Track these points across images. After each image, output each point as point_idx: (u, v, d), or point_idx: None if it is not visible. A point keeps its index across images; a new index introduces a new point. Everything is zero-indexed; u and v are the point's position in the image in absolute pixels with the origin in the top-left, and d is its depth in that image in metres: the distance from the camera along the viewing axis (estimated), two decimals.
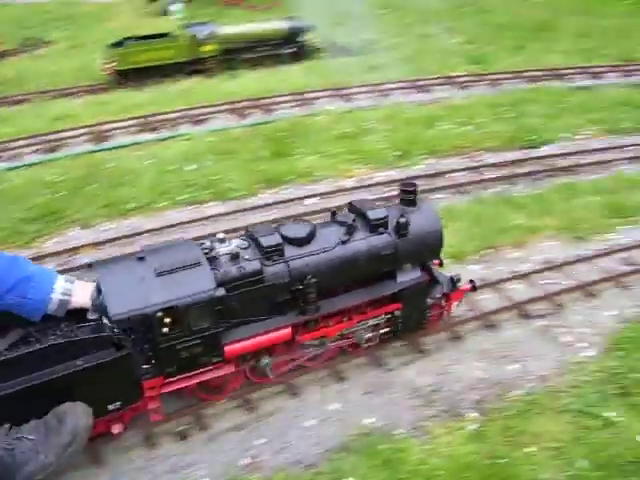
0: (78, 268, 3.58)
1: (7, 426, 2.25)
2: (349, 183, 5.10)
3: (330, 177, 5.22)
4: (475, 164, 5.39)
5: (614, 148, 5.68)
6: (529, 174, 5.18)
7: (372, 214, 3.08)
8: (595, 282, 3.90)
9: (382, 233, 3.07)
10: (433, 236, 3.16)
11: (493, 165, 5.34)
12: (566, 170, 5.33)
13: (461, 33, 9.74)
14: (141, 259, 2.69)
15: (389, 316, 3.17)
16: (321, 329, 3.05)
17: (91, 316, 2.61)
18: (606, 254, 4.22)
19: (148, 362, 2.65)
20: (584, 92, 7.20)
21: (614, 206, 4.76)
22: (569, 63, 8.39)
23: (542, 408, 3.04)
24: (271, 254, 2.84)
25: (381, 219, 3.08)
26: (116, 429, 2.67)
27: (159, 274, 2.61)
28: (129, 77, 8.08)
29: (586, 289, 3.84)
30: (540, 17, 10.74)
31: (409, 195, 3.19)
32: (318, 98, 6.75)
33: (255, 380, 3.01)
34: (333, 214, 3.20)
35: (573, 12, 11.25)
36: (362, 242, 3.03)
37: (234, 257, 2.79)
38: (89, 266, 2.76)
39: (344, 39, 9.28)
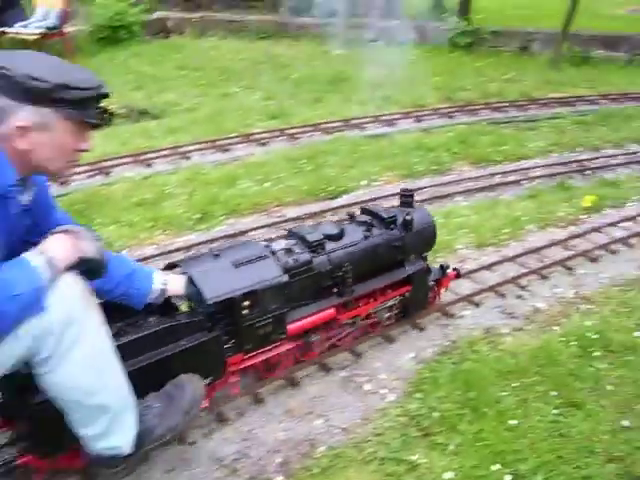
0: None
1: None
2: (149, 251, 4.98)
3: (129, 246, 5.07)
4: (275, 220, 5.42)
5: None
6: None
7: (385, 214, 3.76)
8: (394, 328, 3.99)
9: (393, 229, 3.65)
10: (429, 230, 3.94)
11: (293, 219, 5.39)
12: None
13: (260, 89, 9.89)
14: (217, 256, 3.14)
15: (401, 298, 3.77)
16: (355, 309, 3.61)
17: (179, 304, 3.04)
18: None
19: (230, 341, 3.06)
20: (379, 140, 7.49)
21: None
22: (365, 112, 8.74)
23: (347, 461, 3.02)
24: (316, 247, 3.45)
25: (392, 217, 3.75)
26: (203, 404, 2.97)
27: (236, 266, 3.10)
28: None
29: (384, 334, 3.92)
30: (338, 69, 11.08)
31: (408, 199, 3.92)
32: (117, 165, 6.59)
33: (302, 358, 3.56)
34: (351, 217, 3.88)
35: (368, 63, 11.73)
36: (379, 237, 3.68)
37: (288, 251, 3.36)
38: (172, 266, 3.19)
39: (144, 103, 9.21)
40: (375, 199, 5.78)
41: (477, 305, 4.31)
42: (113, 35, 12.53)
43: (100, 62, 11.29)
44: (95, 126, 2.36)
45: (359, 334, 3.84)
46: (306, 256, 3.40)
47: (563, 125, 8.69)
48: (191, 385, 2.82)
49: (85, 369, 2.40)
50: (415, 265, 3.86)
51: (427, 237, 3.95)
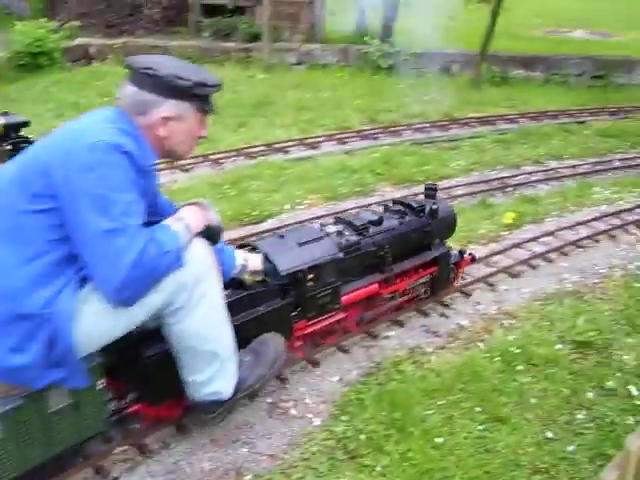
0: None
1: None
2: None
3: None
4: None
5: (332, 214, 5.92)
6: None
7: (415, 204, 4.39)
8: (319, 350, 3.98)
9: (422, 217, 4.32)
10: (450, 219, 4.57)
11: None
12: None
13: None
14: (282, 237, 3.72)
15: (429, 277, 4.47)
16: (394, 285, 4.25)
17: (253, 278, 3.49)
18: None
19: (296, 309, 3.60)
20: (303, 163, 7.51)
21: None
22: (289, 136, 8.77)
23: None
24: (361, 231, 4.00)
25: (421, 207, 4.36)
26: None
27: (300, 245, 3.63)
28: None
29: (310, 358, 3.90)
30: (262, 93, 11.09)
31: (431, 192, 4.59)
32: None
33: (352, 329, 4.18)
34: (386, 207, 4.49)
35: (292, 87, 11.79)
36: (411, 223, 4.26)
37: (339, 233, 3.93)
38: (242, 246, 3.72)
39: None
40: (300, 222, 5.79)
41: (401, 325, 4.33)
42: (33, 62, 12.27)
43: (19, 89, 11.06)
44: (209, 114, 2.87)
45: (396, 308, 4.44)
46: (354, 238, 3.95)
47: (484, 144, 8.88)
48: (273, 342, 3.31)
49: (206, 320, 2.86)
50: (440, 248, 4.47)
51: (449, 224, 4.57)
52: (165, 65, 2.70)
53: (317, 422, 3.44)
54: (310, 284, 3.61)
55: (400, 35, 14.36)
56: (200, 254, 2.80)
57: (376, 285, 4.08)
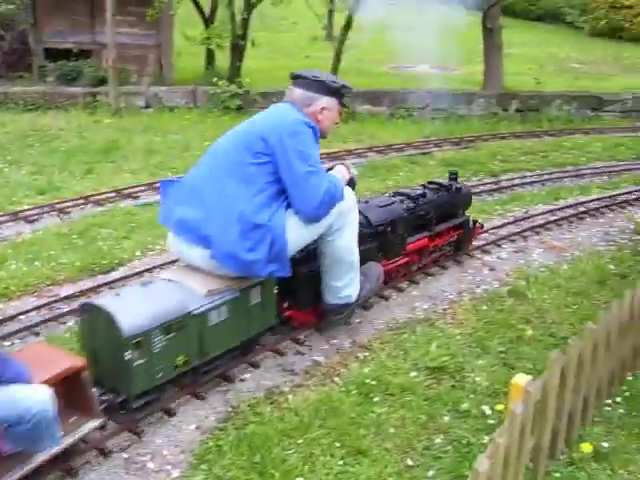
0: None
1: None
2: None
3: None
4: (48, 300, 5.15)
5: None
6: None
7: (445, 183, 5.86)
8: (173, 399, 3.87)
9: (450, 192, 5.84)
10: (469, 196, 6.12)
11: (67, 298, 5.15)
12: None
13: (28, 164, 9.41)
14: (366, 202, 5.13)
15: (456, 237, 5.96)
16: (436, 240, 5.73)
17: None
18: None
19: (379, 251, 4.98)
20: (153, 208, 7.37)
21: None
22: (139, 181, 8.61)
23: None
24: (415, 200, 5.47)
25: (450, 185, 5.84)
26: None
27: (380, 207, 5.08)
28: None
29: (164, 409, 3.80)
30: (109, 138, 10.85)
31: (454, 176, 6.00)
32: None
33: (409, 275, 5.60)
34: (424, 186, 5.85)
35: (141, 131, 11.62)
36: (445, 196, 5.77)
37: (401, 201, 5.35)
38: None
39: None
40: (151, 269, 5.68)
41: (257, 366, 4.31)
42: None
43: None
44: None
45: (437, 259, 5.89)
46: (412, 204, 5.39)
47: None
48: (375, 267, 4.82)
49: (351, 239, 4.29)
50: (462, 217, 5.97)
51: (468, 199, 6.07)
52: (321, 74, 4.26)
53: (175, 474, 3.36)
54: (389, 234, 5.05)
55: (249, 75, 14.47)
56: (349, 193, 4.28)
57: (426, 239, 5.55)
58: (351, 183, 4.46)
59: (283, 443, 3.56)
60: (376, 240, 4.89)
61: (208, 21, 15.32)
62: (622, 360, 4.22)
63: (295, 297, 4.45)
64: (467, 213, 6.14)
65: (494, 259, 6.21)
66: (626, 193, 8.68)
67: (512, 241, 6.63)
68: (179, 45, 15.69)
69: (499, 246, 6.47)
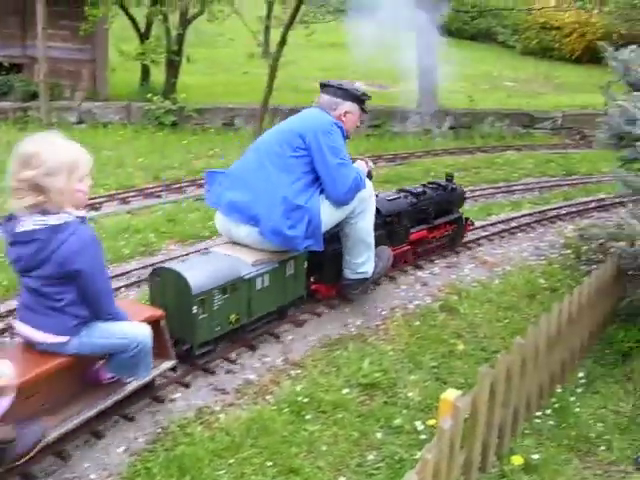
0: None
1: None
2: None
3: None
4: None
5: (118, 275, 5.74)
6: None
7: (443, 183, 6.61)
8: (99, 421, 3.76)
9: (447, 191, 6.57)
10: (462, 194, 6.92)
11: None
12: None
13: None
14: (377, 195, 5.47)
15: (451, 232, 6.67)
16: (434, 232, 6.43)
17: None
18: None
19: (387, 238, 5.64)
20: None
21: None
22: None
23: None
24: (417, 196, 6.15)
25: (446, 185, 6.59)
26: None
27: (388, 200, 5.83)
28: None
29: (92, 432, 3.70)
30: None
31: (450, 177, 6.76)
32: None
33: (409, 260, 6.35)
34: (424, 185, 6.56)
35: None
36: (442, 194, 6.50)
37: (405, 197, 6.05)
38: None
39: None
40: None
41: (187, 386, 4.22)
42: None
43: None
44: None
45: (434, 249, 6.63)
46: (414, 200, 6.08)
47: None
48: (386, 250, 5.53)
49: (370, 221, 5.07)
50: (457, 214, 6.72)
51: (462, 198, 6.88)
52: (345, 83, 5.12)
53: None
54: (395, 224, 5.76)
55: (185, 91, 14.36)
56: (369, 183, 5.09)
57: (425, 231, 6.27)
58: (369, 175, 5.21)
59: (214, 463, 3.51)
60: (385, 228, 5.58)
61: (143, 36, 15.16)
62: (551, 373, 4.29)
63: (320, 273, 5.26)
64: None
65: (427, 274, 6.27)
66: (556, 208, 8.89)
67: (444, 256, 6.70)
68: (114, 60, 15.47)
69: (432, 261, 6.53)
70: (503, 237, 7.50)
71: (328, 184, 4.75)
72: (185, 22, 14.15)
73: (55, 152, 3.18)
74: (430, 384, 4.45)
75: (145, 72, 15.59)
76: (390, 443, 3.82)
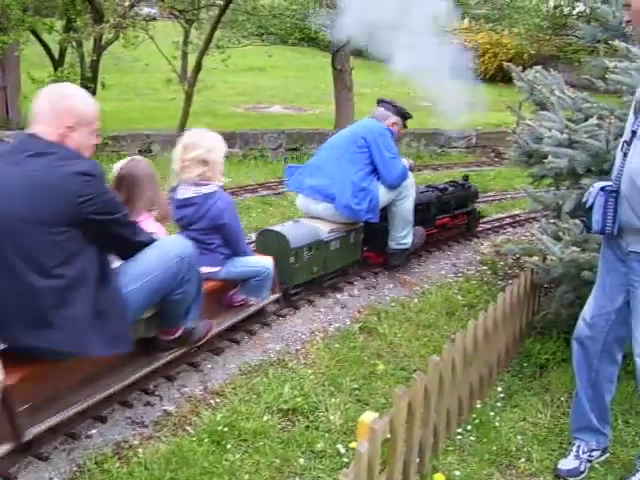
0: None
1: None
2: None
3: None
4: None
5: None
6: None
7: (461, 182, 8.00)
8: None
9: (464, 188, 7.97)
10: (476, 192, 8.28)
11: None
12: None
13: None
14: None
15: (466, 221, 8.16)
16: (455, 220, 7.88)
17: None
18: None
19: (420, 222, 7.08)
20: None
21: None
22: None
23: None
24: (441, 191, 7.53)
25: (463, 183, 7.97)
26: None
27: (420, 193, 7.03)
28: None
29: (2, 475, 3.57)
30: None
31: (466, 178, 8.09)
32: None
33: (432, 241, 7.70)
34: (447, 183, 7.95)
35: None
36: (461, 191, 7.88)
37: (433, 191, 7.46)
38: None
39: None
40: None
41: (103, 421, 4.09)
42: None
43: None
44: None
45: (454, 234, 8.06)
46: (439, 194, 7.37)
47: None
48: (420, 229, 6.86)
49: (411, 203, 6.53)
50: (471, 206, 8.10)
51: (475, 194, 8.19)
52: (394, 101, 6.64)
53: None
54: (425, 211, 7.06)
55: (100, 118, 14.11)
56: (410, 174, 6.53)
57: (447, 219, 7.60)
58: (410, 169, 6.63)
59: None
60: (417, 214, 6.71)
61: (57, 63, 14.88)
62: (470, 389, 4.35)
63: (372, 244, 6.70)
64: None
65: (346, 297, 6.30)
66: None
67: (363, 278, 6.74)
68: (27, 88, 15.15)
69: (351, 283, 6.56)
70: (420, 256, 7.58)
71: (383, 172, 6.21)
72: (99, 48, 13.96)
73: (207, 138, 4.76)
74: (351, 406, 4.45)
75: None
76: (313, 468, 3.80)
